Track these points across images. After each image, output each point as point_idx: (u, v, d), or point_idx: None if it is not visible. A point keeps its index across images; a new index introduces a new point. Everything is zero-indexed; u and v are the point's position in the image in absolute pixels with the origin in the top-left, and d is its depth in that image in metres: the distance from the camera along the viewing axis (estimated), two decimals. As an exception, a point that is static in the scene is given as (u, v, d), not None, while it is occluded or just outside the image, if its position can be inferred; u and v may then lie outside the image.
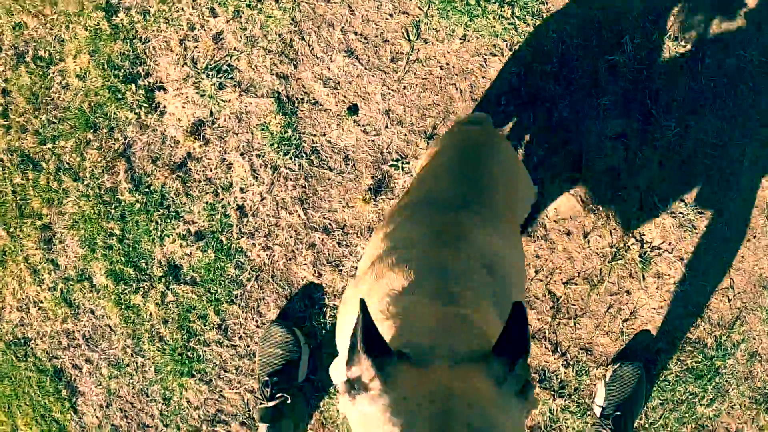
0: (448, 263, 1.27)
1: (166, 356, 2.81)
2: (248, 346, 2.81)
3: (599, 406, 2.77)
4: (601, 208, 2.72)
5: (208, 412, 2.83)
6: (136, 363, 2.84)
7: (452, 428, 0.85)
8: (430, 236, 1.35)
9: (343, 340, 1.38)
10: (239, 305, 2.77)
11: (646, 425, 2.92)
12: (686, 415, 2.92)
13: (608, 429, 2.70)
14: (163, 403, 2.87)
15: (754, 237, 2.79)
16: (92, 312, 2.87)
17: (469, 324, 1.11)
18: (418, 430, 0.87)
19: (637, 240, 2.72)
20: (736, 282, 2.86)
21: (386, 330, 1.12)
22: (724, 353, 2.89)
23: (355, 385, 0.96)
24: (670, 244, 2.74)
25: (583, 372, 2.76)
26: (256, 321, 2.79)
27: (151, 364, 2.84)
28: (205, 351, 2.79)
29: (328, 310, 2.74)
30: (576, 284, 2.73)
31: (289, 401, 2.52)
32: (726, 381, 2.90)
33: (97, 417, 2.92)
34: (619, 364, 2.84)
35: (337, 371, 1.69)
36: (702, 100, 2.70)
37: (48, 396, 2.94)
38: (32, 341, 2.97)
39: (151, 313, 2.80)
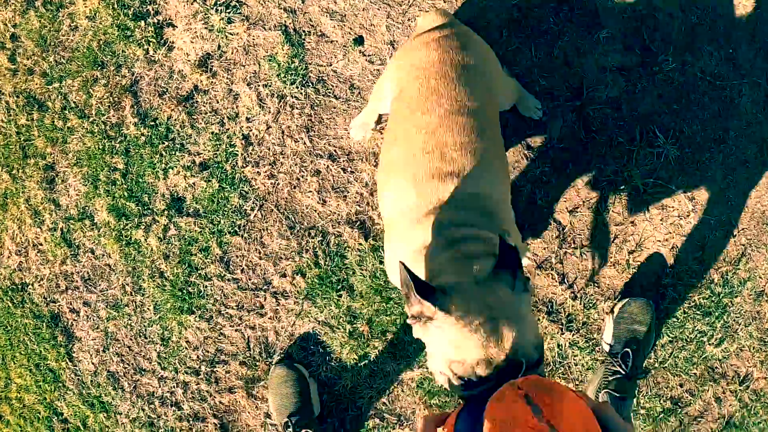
0: (461, 218, 1.72)
1: (165, 293, 2.75)
2: (250, 279, 2.75)
3: (607, 343, 2.71)
4: (602, 138, 2.68)
5: (208, 352, 2.76)
6: (135, 302, 2.78)
7: (497, 327, 1.37)
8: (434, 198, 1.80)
9: (392, 270, 2.00)
10: (242, 236, 2.74)
11: (656, 364, 2.84)
12: (695, 354, 2.85)
13: (617, 366, 2.61)
14: (161, 344, 2.80)
15: (756, 174, 2.78)
16: (92, 252, 2.83)
17: (477, 254, 1.61)
18: (478, 332, 1.37)
19: (638, 170, 2.68)
20: (740, 218, 2.84)
21: (423, 275, 1.66)
22: (731, 290, 2.84)
23: (421, 318, 1.44)
24: (671, 177, 2.70)
25: (590, 305, 2.69)
26: (259, 252, 2.75)
27: (150, 303, 2.79)
28: (206, 286, 2.74)
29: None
30: (581, 213, 2.67)
31: None
32: (734, 320, 2.84)
33: (92, 363, 2.85)
34: (627, 300, 2.77)
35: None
36: (699, 36, 2.70)
37: (43, 343, 2.89)
38: (29, 286, 2.96)
39: (152, 249, 2.77)
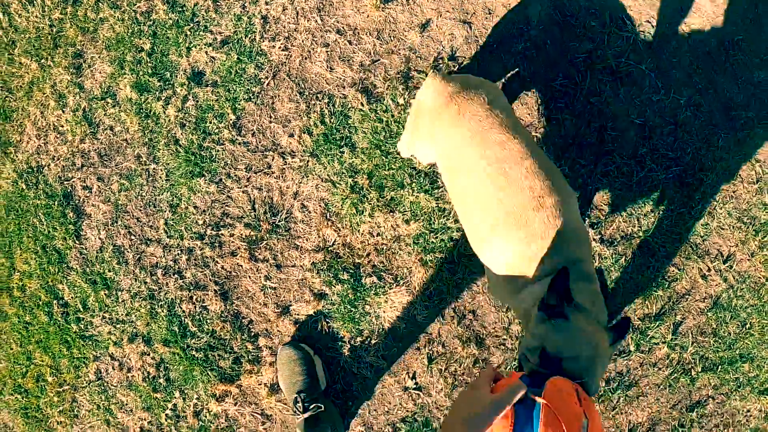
0: (573, 253, 2.24)
1: (179, 159, 3.12)
2: (260, 142, 3.11)
3: None
4: (576, 22, 3.22)
5: (214, 215, 3.08)
6: (148, 171, 3.15)
7: (597, 354, 1.94)
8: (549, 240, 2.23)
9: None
10: (255, 102, 3.13)
11: (640, 233, 3.14)
12: (677, 224, 3.15)
13: None
14: (169, 212, 3.13)
15: (719, 64, 3.24)
16: (111, 128, 3.23)
17: (602, 301, 2.15)
18: (584, 347, 1.94)
19: (611, 50, 3.17)
20: (704, 102, 3.23)
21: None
22: (705, 165, 3.19)
23: (549, 311, 2.01)
24: (641, 59, 3.24)
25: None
26: (270, 117, 3.15)
27: (162, 171, 3.15)
28: (218, 150, 3.11)
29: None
30: (560, 86, 3.11)
31: (322, 409, 2.89)
32: (711, 197, 3.16)
33: (100, 239, 3.17)
34: None
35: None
36: None
37: (53, 222, 3.26)
38: (45, 167, 3.35)
39: (170, 119, 3.16)
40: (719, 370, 3.07)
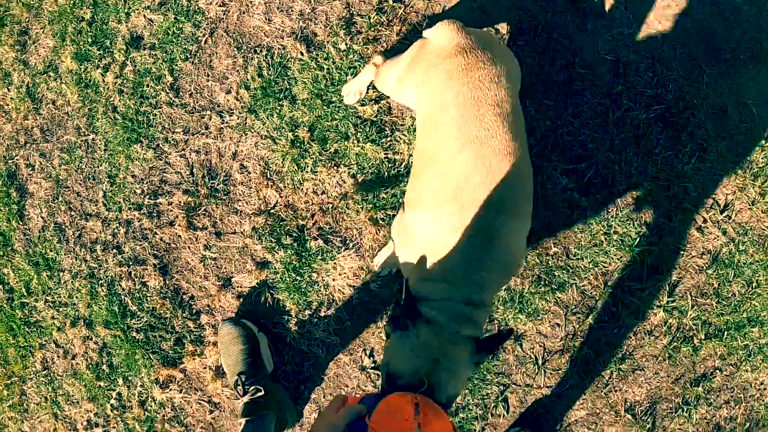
0: (476, 278, 2.00)
1: (117, 126, 3.00)
2: (197, 102, 2.94)
3: None
4: None
5: (152, 183, 2.93)
6: (87, 142, 3.03)
7: (439, 367, 1.83)
8: (462, 243, 1.99)
9: (395, 236, 2.31)
10: (193, 62, 2.97)
11: (622, 179, 2.87)
12: (665, 169, 2.86)
13: None
14: (108, 183, 3.02)
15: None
16: (53, 102, 3.13)
17: (474, 322, 1.95)
18: (421, 362, 1.83)
19: None
20: (682, 35, 2.92)
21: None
22: (688, 103, 2.89)
23: (397, 323, 1.90)
24: None
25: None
26: (207, 75, 2.96)
27: (101, 141, 3.03)
28: (155, 114, 2.98)
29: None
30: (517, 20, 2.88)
31: (262, 392, 2.60)
32: (701, 139, 2.87)
33: (42, 218, 3.05)
34: (518, 429, 2.90)
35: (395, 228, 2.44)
36: None
37: None
38: None
39: (108, 86, 3.04)
40: (725, 336, 2.81)
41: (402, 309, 1.87)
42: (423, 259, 2.01)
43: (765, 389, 2.83)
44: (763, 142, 2.83)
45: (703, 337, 2.80)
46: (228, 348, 2.70)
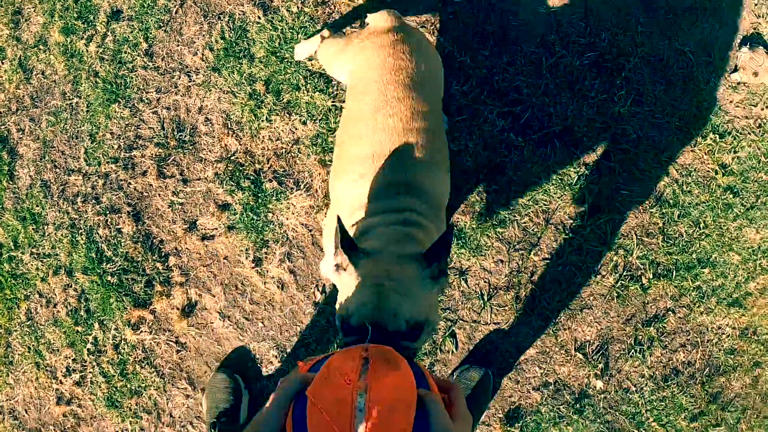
0: (406, 201, 2.04)
1: (98, 90, 3.28)
2: (168, 65, 3.22)
3: None
4: None
5: (128, 138, 3.20)
6: (72, 106, 3.30)
7: (385, 291, 1.65)
8: (385, 186, 2.08)
9: (327, 244, 2.21)
10: (165, 30, 3.27)
11: (558, 121, 3.04)
12: (601, 112, 3.03)
13: None
14: (89, 140, 3.27)
15: None
16: (42, 73, 3.42)
17: (414, 239, 1.91)
18: (367, 291, 1.67)
19: None
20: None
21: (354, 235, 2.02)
22: (623, 50, 3.07)
23: (338, 267, 1.79)
24: None
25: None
26: (178, 41, 3.25)
27: (84, 103, 3.30)
28: (131, 78, 3.25)
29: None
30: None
31: None
32: (637, 84, 3.04)
33: (30, 176, 3.31)
34: (466, 366, 2.94)
35: (325, 265, 2.50)
36: None
37: None
38: None
39: (91, 55, 3.32)
40: (675, 276, 2.87)
41: (341, 248, 1.76)
42: (352, 209, 2.11)
43: (723, 334, 2.85)
44: (701, 86, 2.96)
45: (651, 276, 2.85)
46: (215, 393, 2.88)
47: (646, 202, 2.87)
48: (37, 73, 3.39)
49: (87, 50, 3.34)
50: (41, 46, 3.40)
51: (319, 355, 1.45)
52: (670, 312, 2.83)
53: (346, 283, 1.74)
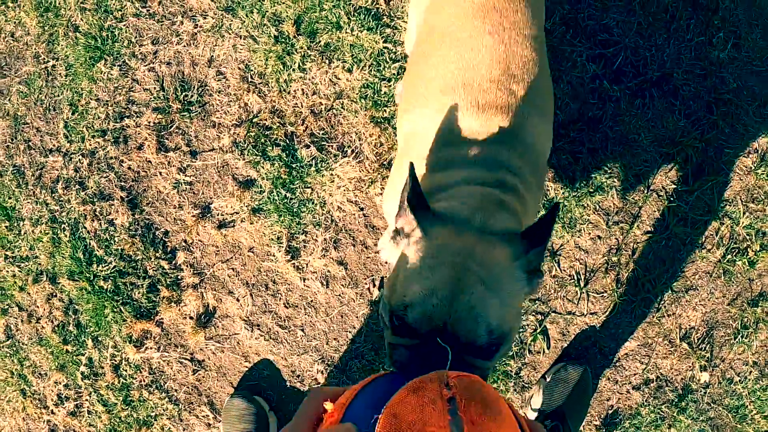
0: (507, 157, 1.54)
1: (78, 47, 2.79)
2: (166, 9, 2.71)
3: (534, 410, 2.52)
4: None
5: (118, 104, 2.70)
6: (47, 70, 2.82)
7: (466, 277, 1.20)
8: (481, 126, 1.58)
9: (389, 207, 1.74)
10: None
11: (655, 67, 2.64)
12: (700, 57, 2.66)
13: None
14: (69, 111, 2.79)
15: None
16: (12, 35, 2.91)
17: (508, 209, 1.43)
18: (439, 274, 1.22)
19: None
20: None
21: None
22: None
23: (399, 234, 1.33)
24: None
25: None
26: None
27: (62, 65, 2.81)
28: (120, 29, 2.76)
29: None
30: None
31: None
32: (734, 24, 2.51)
33: None
34: (563, 364, 2.61)
35: (385, 242, 2.22)
36: None
37: None
38: None
39: (69, 5, 2.83)
40: None
41: (406, 207, 1.33)
42: (435, 147, 1.61)
43: (833, 311, 2.53)
44: None
45: (758, 248, 2.57)
46: (233, 423, 2.44)
47: (750, 161, 2.60)
48: (5, 36, 2.89)
49: (65, 1, 2.76)
50: (9, 3, 2.88)
51: (354, 385, 1.02)
52: None
53: (409, 255, 1.30)
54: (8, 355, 2.75)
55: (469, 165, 1.53)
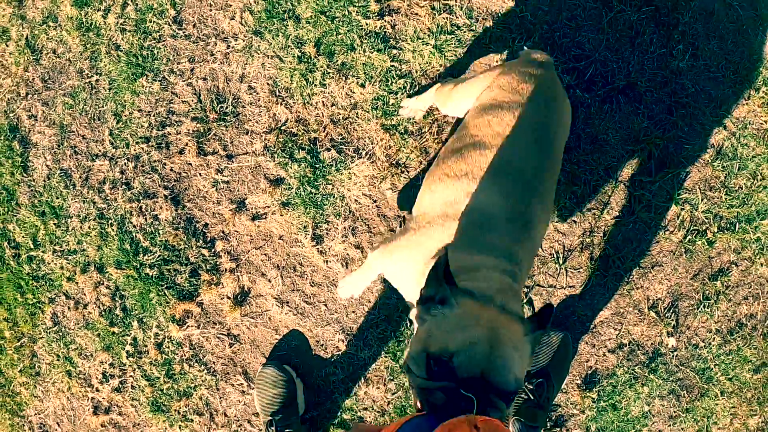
0: (517, 252, 1.89)
1: (121, 64, 3.10)
2: (201, 31, 3.04)
3: None
4: None
5: (159, 115, 3.02)
6: (91, 84, 3.12)
7: (498, 338, 1.50)
8: (502, 221, 1.93)
9: (393, 266, 2.15)
10: None
11: (621, 77, 2.99)
12: (662, 66, 3.01)
13: (529, 394, 2.79)
14: (113, 121, 3.10)
15: None
16: (54, 51, 3.22)
17: (517, 296, 1.80)
18: (477, 331, 1.51)
19: None
20: None
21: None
22: (677, 5, 2.95)
23: (432, 300, 1.60)
24: None
25: None
26: (210, 5, 3.07)
27: (105, 80, 3.12)
28: (159, 48, 3.07)
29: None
30: None
31: None
32: (693, 38, 2.88)
33: (47, 166, 3.12)
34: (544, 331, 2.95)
35: (345, 286, 2.73)
36: None
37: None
38: None
39: (110, 27, 3.14)
40: (737, 229, 2.96)
41: (437, 282, 1.61)
42: (462, 228, 1.93)
43: (782, 285, 2.87)
44: (751, 40, 2.99)
45: (716, 230, 2.92)
46: (266, 389, 2.79)
47: (708, 155, 2.95)
48: (48, 53, 3.20)
49: (105, 22, 3.14)
50: (51, 23, 3.21)
51: (389, 425, 1.26)
52: (733, 265, 2.93)
53: (446, 317, 1.58)
54: (55, 340, 3.08)
55: (490, 252, 1.85)
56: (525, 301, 2.84)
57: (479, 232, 1.89)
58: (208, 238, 2.97)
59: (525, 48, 2.51)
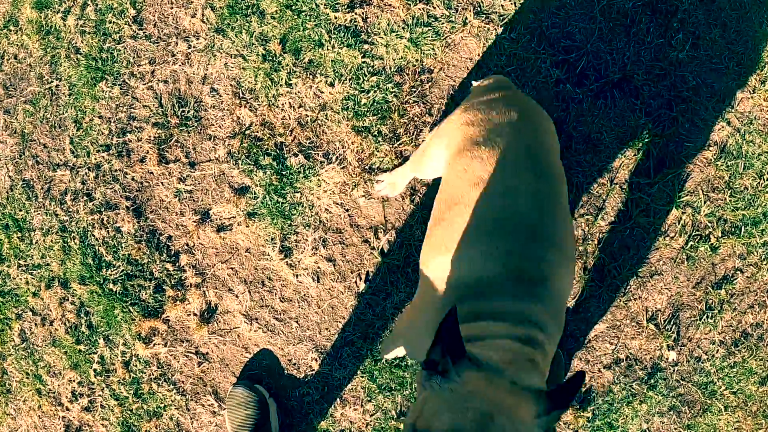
0: (535, 313, 1.65)
1: (80, 68, 2.98)
2: (162, 31, 2.90)
3: None
4: None
5: (120, 121, 2.89)
6: (51, 90, 3.01)
7: (490, 428, 1.30)
8: (507, 284, 1.69)
9: (416, 340, 1.91)
10: None
11: (616, 69, 2.78)
12: (659, 58, 2.82)
13: None
14: (74, 128, 2.99)
15: None
16: (15, 57, 3.10)
17: (536, 366, 1.53)
18: (467, 416, 1.31)
19: None
20: None
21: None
22: None
23: (433, 368, 1.40)
24: None
25: None
26: (171, 3, 2.92)
27: (65, 85, 3.00)
28: (119, 50, 2.96)
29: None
30: None
31: None
32: (693, 26, 2.70)
33: (9, 177, 3.02)
34: None
35: (390, 345, 2.36)
36: None
37: None
38: None
39: (70, 29, 3.02)
40: (742, 233, 2.76)
41: (443, 347, 1.41)
42: (462, 302, 1.72)
43: (790, 293, 2.67)
44: (756, 28, 2.78)
45: (719, 234, 2.74)
46: (237, 410, 2.65)
47: (710, 154, 2.75)
48: (9, 58, 3.08)
49: (65, 24, 3.01)
50: (11, 27, 3.08)
51: None
52: (738, 272, 2.75)
53: (442, 392, 1.39)
54: (23, 357, 2.96)
55: (499, 319, 1.62)
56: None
57: (482, 303, 1.67)
58: (172, 252, 2.84)
59: (473, 83, 2.27)
